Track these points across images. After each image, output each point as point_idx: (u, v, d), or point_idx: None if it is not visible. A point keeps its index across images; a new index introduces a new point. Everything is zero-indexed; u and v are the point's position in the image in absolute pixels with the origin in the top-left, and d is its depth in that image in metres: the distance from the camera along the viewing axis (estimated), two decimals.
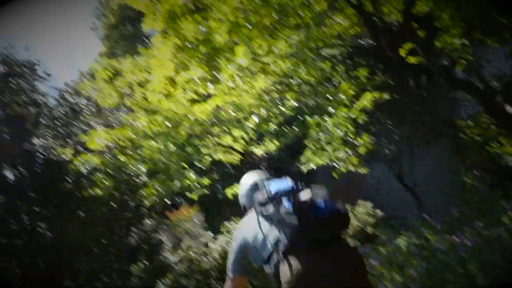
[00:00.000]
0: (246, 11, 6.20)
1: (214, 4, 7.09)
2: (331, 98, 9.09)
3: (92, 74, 16.21)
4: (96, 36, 22.03)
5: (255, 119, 8.81)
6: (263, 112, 8.63)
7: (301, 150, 13.34)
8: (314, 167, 12.30)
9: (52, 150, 11.13)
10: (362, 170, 12.02)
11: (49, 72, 11.89)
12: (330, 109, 9.21)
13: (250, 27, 6.46)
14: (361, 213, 13.76)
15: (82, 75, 17.44)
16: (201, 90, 7.79)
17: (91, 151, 10.61)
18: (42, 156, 11.25)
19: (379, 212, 13.58)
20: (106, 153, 10.44)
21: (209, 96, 8.82)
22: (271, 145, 13.27)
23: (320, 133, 10.53)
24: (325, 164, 11.95)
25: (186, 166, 11.81)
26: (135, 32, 19.87)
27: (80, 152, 11.30)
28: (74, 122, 12.11)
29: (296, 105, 8.86)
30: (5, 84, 10.87)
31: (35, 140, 11.14)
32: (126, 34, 19.61)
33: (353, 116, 9.96)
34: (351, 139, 10.95)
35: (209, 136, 10.64)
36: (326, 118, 9.92)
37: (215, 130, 10.96)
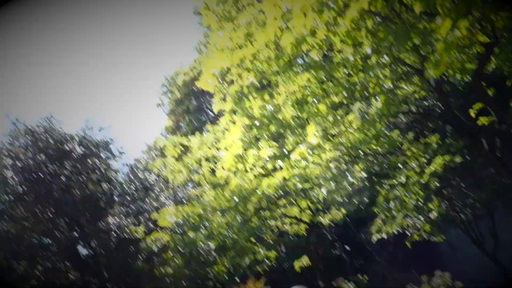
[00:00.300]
0: (313, 88, 6.29)
1: (280, 81, 7.27)
2: (401, 166, 8.82)
3: (158, 147, 17.12)
4: (162, 111, 23.35)
5: (323, 191, 8.69)
6: (331, 184, 8.47)
7: (369, 218, 12.90)
8: (385, 236, 11.77)
9: (125, 228, 11.47)
10: (438, 238, 11.33)
11: (121, 150, 12.61)
12: (401, 178, 8.92)
13: (317, 102, 6.52)
14: (439, 284, 12.81)
15: (149, 148, 18.28)
16: (269, 166, 7.82)
17: (161, 228, 10.88)
18: (115, 234, 11.60)
19: (459, 284, 12.57)
20: (176, 230, 10.63)
21: (275, 168, 8.87)
22: (338, 214, 13.01)
23: (390, 201, 10.16)
24: (396, 232, 11.42)
25: (254, 240, 11.77)
26: (199, 105, 20.78)
27: (151, 230, 11.59)
28: (146, 199, 12.53)
29: (365, 175, 8.66)
30: (82, 165, 11.59)
31: (110, 219, 11.57)
32: (190, 108, 20.59)
33: (424, 182, 9.57)
34: (421, 205, 10.45)
35: (276, 208, 10.60)
36: (396, 186, 9.61)
37: (282, 202, 10.94)
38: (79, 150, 11.66)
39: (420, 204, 10.18)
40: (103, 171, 12.12)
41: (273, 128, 6.91)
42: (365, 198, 10.21)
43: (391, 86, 6.64)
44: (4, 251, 10.65)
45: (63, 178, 11.18)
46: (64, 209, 11.22)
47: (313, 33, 3.98)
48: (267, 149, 7.27)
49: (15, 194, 10.68)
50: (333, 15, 3.93)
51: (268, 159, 7.55)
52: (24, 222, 10.97)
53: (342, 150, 8.02)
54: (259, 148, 7.42)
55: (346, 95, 6.24)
